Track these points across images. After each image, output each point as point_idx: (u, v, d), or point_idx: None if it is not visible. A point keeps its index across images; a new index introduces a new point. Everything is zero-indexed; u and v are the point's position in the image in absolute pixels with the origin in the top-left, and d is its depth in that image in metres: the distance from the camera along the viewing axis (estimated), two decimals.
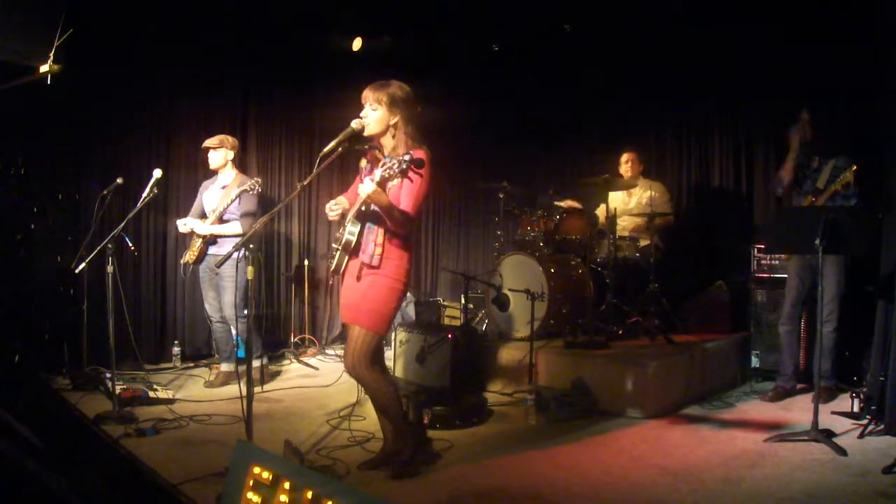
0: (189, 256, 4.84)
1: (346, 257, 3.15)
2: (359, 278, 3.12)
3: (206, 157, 4.94)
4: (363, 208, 3.07)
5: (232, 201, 4.66)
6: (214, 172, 4.99)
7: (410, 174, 2.93)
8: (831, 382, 4.40)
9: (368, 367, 3.12)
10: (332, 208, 3.16)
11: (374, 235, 3.06)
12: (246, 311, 4.15)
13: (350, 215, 3.11)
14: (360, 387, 4.57)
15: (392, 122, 3.07)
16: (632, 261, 5.45)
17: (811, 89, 5.05)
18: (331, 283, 3.45)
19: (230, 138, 4.92)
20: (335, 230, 3.36)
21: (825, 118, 4.43)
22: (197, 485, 2.88)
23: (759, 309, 5.04)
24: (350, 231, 3.08)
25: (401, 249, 3.12)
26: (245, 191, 4.61)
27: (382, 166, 2.92)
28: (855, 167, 4.08)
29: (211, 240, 4.78)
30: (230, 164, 4.91)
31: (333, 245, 3.24)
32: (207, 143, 4.87)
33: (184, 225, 4.81)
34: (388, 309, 3.12)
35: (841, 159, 4.30)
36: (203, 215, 4.89)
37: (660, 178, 5.99)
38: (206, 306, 4.94)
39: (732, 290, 5.38)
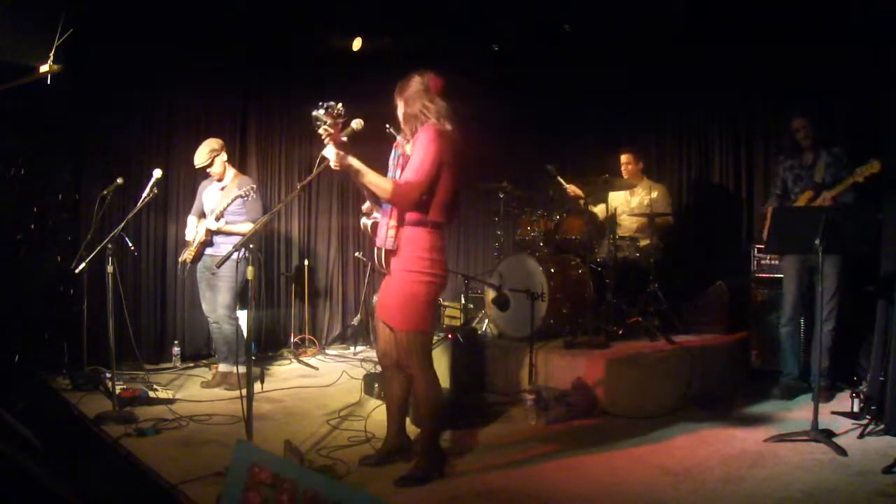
0: (187, 255, 4.83)
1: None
2: (391, 272, 3.04)
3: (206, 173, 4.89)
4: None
5: (230, 203, 4.61)
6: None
7: (418, 142, 2.94)
8: (829, 382, 4.40)
9: (420, 366, 3.00)
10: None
11: (388, 218, 2.97)
12: (238, 312, 4.15)
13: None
14: (361, 386, 4.62)
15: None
16: (632, 261, 5.45)
17: (811, 87, 5.05)
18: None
19: (214, 142, 4.78)
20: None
21: (816, 113, 4.44)
22: (197, 485, 2.88)
23: (759, 309, 5.04)
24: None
25: (422, 238, 2.97)
26: (240, 196, 4.53)
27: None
28: (878, 162, 3.87)
29: (208, 240, 4.77)
30: (226, 164, 4.87)
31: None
32: (199, 163, 4.74)
33: (194, 232, 4.78)
34: (421, 304, 2.97)
35: (834, 149, 4.33)
36: (203, 215, 4.87)
37: (662, 180, 5.99)
38: (203, 306, 4.94)
39: (732, 290, 5.37)
